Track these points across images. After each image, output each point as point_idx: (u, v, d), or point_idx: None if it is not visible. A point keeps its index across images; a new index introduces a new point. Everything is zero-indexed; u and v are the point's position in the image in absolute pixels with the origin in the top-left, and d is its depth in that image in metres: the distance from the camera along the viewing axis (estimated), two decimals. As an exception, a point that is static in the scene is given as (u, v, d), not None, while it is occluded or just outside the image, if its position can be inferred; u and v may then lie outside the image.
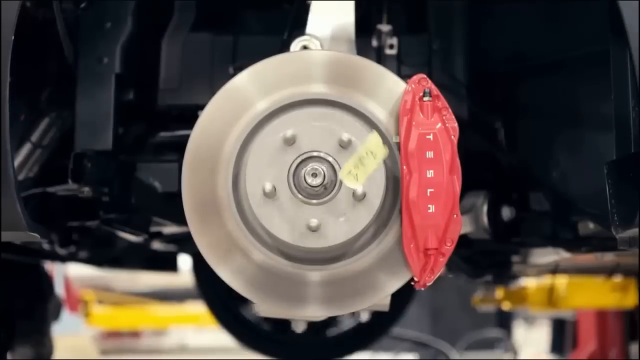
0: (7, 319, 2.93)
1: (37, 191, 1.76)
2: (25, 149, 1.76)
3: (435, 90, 1.30)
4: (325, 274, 1.31)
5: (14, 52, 1.36)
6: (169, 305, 7.68)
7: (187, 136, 1.33)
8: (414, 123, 1.29)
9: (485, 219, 1.91)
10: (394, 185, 1.29)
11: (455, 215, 1.27)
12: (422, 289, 1.32)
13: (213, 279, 1.38)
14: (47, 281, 3.24)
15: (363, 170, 1.27)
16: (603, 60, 1.42)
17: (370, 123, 1.31)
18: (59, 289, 4.70)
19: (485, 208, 1.91)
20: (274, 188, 1.26)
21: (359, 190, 1.25)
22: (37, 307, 3.09)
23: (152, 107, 1.86)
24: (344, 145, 1.27)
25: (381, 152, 1.27)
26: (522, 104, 1.84)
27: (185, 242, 2.73)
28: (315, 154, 1.27)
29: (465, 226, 1.85)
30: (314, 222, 1.26)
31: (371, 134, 1.28)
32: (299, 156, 1.27)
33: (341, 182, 1.27)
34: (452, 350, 6.16)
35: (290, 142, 1.27)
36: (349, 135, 1.27)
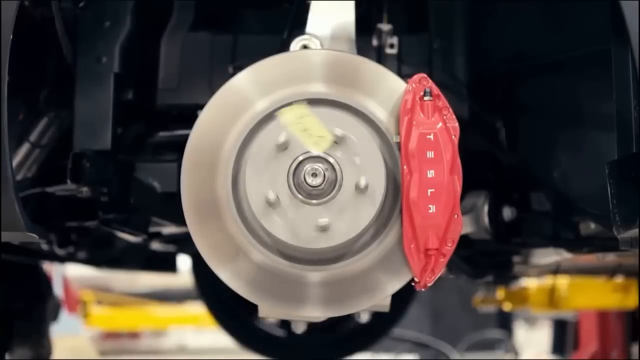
0: (6, 319, 2.92)
1: (36, 191, 1.75)
2: (24, 148, 1.76)
3: (436, 90, 1.30)
4: (325, 274, 1.30)
5: (12, 52, 1.36)
6: (168, 306, 7.66)
7: (187, 136, 1.33)
8: (414, 123, 1.28)
9: (486, 219, 1.91)
10: (394, 185, 1.29)
11: (456, 216, 1.27)
12: (423, 289, 1.31)
13: (212, 279, 1.37)
14: (45, 282, 3.23)
15: (315, 129, 1.26)
16: (604, 59, 1.42)
17: (370, 123, 1.30)
18: (58, 290, 4.69)
19: (486, 208, 1.91)
20: (277, 197, 1.25)
21: (363, 182, 1.25)
22: (36, 307, 3.08)
23: (151, 106, 1.85)
24: (338, 141, 1.26)
25: (300, 109, 1.26)
26: (523, 103, 1.84)
27: (185, 243, 2.72)
28: (315, 153, 1.27)
29: (466, 226, 1.84)
30: (323, 221, 1.24)
31: (280, 113, 1.27)
32: (298, 156, 1.27)
33: (342, 181, 1.26)
34: (453, 351, 6.15)
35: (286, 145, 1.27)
36: (342, 131, 1.26)
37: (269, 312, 1.38)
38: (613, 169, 1.35)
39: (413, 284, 1.30)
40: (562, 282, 4.49)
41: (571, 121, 1.71)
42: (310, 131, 1.26)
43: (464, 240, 1.84)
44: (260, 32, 1.88)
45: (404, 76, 1.35)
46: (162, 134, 1.89)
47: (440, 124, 1.28)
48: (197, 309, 6.15)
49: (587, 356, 5.23)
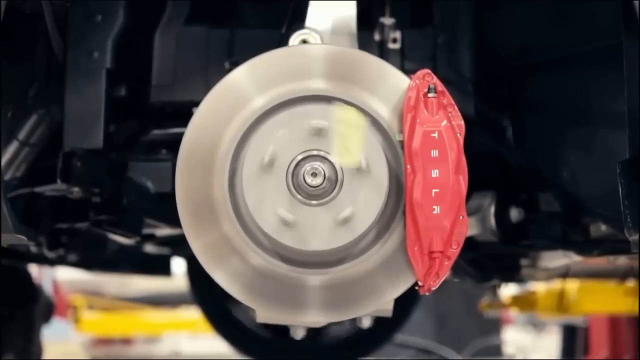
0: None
1: (25, 191, 1.74)
2: (12, 147, 1.74)
3: (440, 86, 1.27)
4: (326, 278, 1.27)
5: (0, 47, 1.33)
6: (162, 311, 7.65)
7: (182, 134, 1.29)
8: (418, 120, 1.25)
9: (492, 221, 1.90)
10: (397, 185, 1.25)
11: (461, 217, 1.23)
12: (427, 293, 1.27)
13: (208, 283, 1.34)
14: (34, 285, 3.21)
15: (353, 143, 1.21)
16: (614, 55, 1.39)
17: (372, 121, 1.26)
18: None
19: (492, 209, 1.90)
20: (272, 161, 1.22)
21: (363, 164, 1.20)
22: (24, 312, 3.07)
23: (144, 103, 1.83)
24: (317, 133, 1.22)
25: (356, 117, 1.22)
26: (531, 100, 1.82)
27: (179, 245, 2.72)
28: (315, 152, 1.23)
29: (471, 228, 1.84)
30: (289, 217, 1.21)
31: (333, 107, 1.23)
32: (297, 155, 1.23)
33: (342, 183, 1.22)
34: (458, 358, 6.12)
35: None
36: (319, 121, 1.22)
37: (267, 317, 1.36)
38: (624, 168, 1.32)
39: (416, 287, 1.27)
40: (572, 286, 4.47)
41: (581, 119, 1.70)
42: (346, 140, 1.22)
43: (470, 243, 1.84)
44: (258, 26, 1.87)
45: (407, 72, 1.32)
46: (156, 132, 1.88)
47: (445, 122, 1.25)
48: (192, 314, 6.14)
49: (598, 361, 5.20)
